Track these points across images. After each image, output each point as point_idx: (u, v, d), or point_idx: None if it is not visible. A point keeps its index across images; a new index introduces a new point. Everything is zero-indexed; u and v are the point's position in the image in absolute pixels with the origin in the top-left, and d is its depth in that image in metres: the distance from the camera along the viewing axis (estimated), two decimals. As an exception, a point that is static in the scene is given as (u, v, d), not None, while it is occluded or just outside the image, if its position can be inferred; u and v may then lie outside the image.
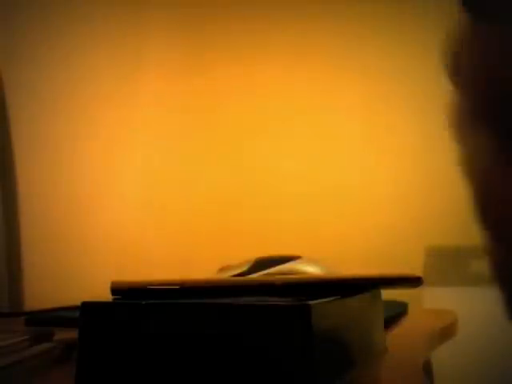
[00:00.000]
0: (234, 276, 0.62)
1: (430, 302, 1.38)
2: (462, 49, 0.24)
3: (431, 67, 1.45)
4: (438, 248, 1.45)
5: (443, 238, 1.46)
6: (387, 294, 0.57)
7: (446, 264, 1.43)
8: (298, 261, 0.64)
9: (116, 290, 0.42)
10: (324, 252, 1.45)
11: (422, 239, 1.46)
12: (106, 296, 0.42)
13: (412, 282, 0.43)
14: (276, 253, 0.69)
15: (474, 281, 1.39)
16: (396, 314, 0.72)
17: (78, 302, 0.42)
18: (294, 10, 1.56)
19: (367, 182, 1.51)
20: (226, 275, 0.62)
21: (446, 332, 0.73)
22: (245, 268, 0.63)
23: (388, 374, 0.43)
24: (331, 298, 0.39)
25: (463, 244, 1.44)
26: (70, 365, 0.46)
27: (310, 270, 0.63)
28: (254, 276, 0.61)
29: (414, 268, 1.43)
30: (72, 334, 0.55)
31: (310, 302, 0.36)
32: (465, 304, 1.35)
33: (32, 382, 0.41)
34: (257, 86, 1.58)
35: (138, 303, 0.38)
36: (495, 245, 0.25)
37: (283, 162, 1.56)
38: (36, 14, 1.09)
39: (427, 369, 0.88)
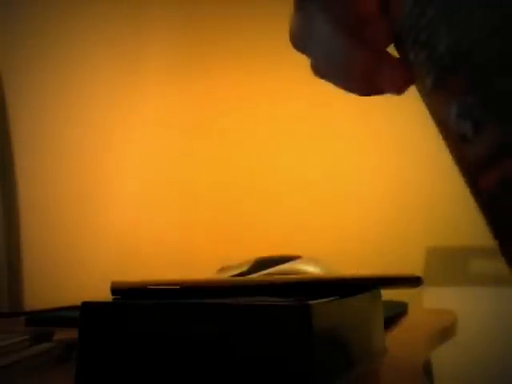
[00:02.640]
0: (234, 276, 0.62)
1: (430, 302, 1.38)
2: None
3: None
4: (438, 248, 1.45)
5: (443, 238, 1.46)
6: (387, 294, 0.57)
7: (446, 264, 1.43)
8: (298, 261, 0.64)
9: (116, 289, 0.42)
10: (324, 252, 1.45)
11: (422, 239, 1.46)
12: (106, 296, 0.42)
13: (412, 282, 0.43)
14: (276, 253, 0.69)
15: (473, 281, 1.39)
16: (396, 313, 0.72)
17: (78, 302, 0.42)
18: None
19: (367, 181, 1.51)
20: (226, 275, 0.62)
21: (446, 332, 0.73)
22: (245, 268, 0.63)
23: (388, 374, 0.43)
24: (331, 298, 0.39)
25: (463, 244, 1.44)
26: (70, 365, 0.46)
27: (310, 269, 0.63)
28: (254, 276, 0.61)
29: (414, 268, 1.43)
30: (72, 334, 0.55)
31: (310, 302, 0.36)
32: (465, 304, 1.35)
33: (32, 382, 0.41)
34: (257, 86, 1.58)
35: (138, 303, 0.38)
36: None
37: (283, 163, 1.56)
38: (36, 14, 1.09)
39: (427, 369, 0.88)
